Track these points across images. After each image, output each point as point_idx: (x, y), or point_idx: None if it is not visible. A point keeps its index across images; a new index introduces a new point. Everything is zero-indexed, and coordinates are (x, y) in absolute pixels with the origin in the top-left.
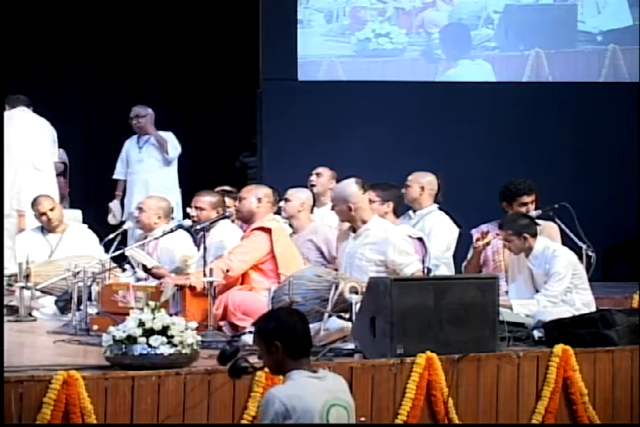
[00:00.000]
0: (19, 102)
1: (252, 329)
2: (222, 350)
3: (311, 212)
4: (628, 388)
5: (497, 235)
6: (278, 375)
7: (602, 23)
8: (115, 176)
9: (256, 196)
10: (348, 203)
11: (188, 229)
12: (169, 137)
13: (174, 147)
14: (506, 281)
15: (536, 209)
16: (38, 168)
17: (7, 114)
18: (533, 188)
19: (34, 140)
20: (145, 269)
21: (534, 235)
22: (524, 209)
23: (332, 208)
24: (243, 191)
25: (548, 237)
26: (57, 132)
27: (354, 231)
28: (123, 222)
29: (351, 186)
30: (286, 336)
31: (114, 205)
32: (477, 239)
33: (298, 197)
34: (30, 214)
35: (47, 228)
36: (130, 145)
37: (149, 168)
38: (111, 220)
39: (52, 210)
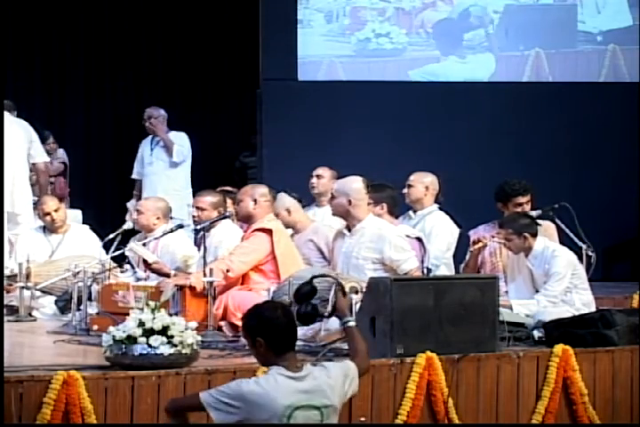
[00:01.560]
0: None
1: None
2: (299, 288)
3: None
4: (628, 388)
5: (493, 237)
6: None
7: (602, 23)
8: (133, 176)
9: (252, 197)
10: (348, 197)
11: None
12: (179, 139)
13: (180, 151)
14: (505, 282)
15: (534, 209)
16: (10, 168)
17: None
18: (528, 188)
19: (7, 142)
20: (146, 264)
21: (535, 234)
22: (519, 210)
23: (330, 200)
24: (239, 193)
25: (546, 237)
26: (57, 133)
27: (349, 231)
28: None
29: (357, 182)
30: (268, 332)
31: (131, 204)
32: (474, 242)
33: (280, 205)
34: None
35: (50, 228)
36: (143, 146)
37: (158, 170)
38: (129, 219)
39: (56, 211)
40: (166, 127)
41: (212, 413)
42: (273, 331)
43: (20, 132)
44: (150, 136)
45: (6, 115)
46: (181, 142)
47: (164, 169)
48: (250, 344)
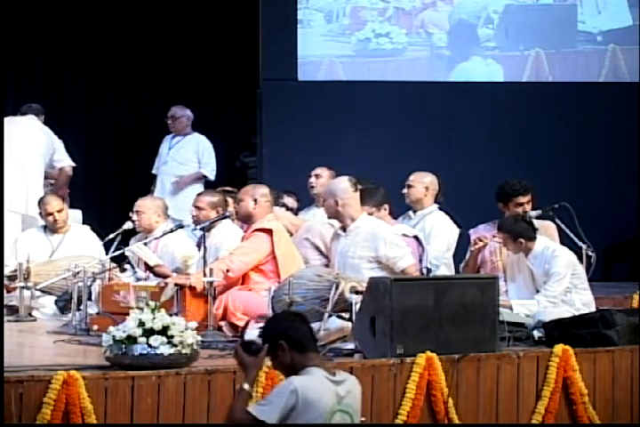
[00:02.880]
0: (30, 110)
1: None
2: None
3: (296, 214)
4: (628, 388)
5: (493, 236)
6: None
7: (602, 23)
8: (153, 171)
9: (252, 197)
10: (336, 197)
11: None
12: (203, 147)
13: (212, 168)
14: (504, 281)
15: (534, 209)
16: (25, 171)
17: (15, 119)
18: (529, 188)
19: (27, 146)
20: (147, 266)
21: (532, 238)
22: (520, 209)
23: (323, 202)
24: (240, 193)
25: (547, 237)
26: (57, 134)
27: (344, 230)
28: None
29: (342, 182)
30: (287, 333)
31: None
32: (474, 242)
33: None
34: (8, 214)
35: (51, 228)
36: (164, 144)
37: (171, 170)
38: (125, 223)
39: (59, 211)
40: (190, 128)
41: (268, 418)
42: (291, 330)
43: (41, 138)
44: (172, 134)
45: (33, 119)
46: (208, 154)
47: (178, 170)
48: (272, 355)
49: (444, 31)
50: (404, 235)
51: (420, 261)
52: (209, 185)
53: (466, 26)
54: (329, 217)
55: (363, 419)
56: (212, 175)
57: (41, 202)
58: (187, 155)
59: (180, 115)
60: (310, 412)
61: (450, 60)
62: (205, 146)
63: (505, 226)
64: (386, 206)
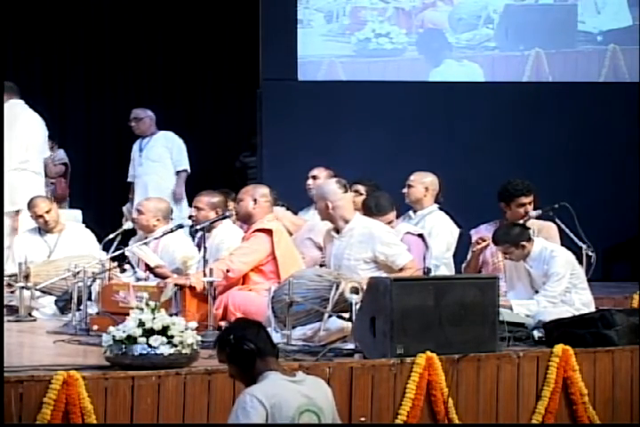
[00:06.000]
0: (13, 93)
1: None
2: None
3: (296, 214)
4: (628, 388)
5: None
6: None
7: (602, 23)
8: (128, 179)
9: (252, 197)
10: (326, 201)
11: (192, 233)
12: (173, 144)
13: (186, 162)
14: (505, 281)
15: (535, 209)
16: (26, 168)
17: (7, 105)
18: (531, 188)
19: (27, 139)
20: (147, 267)
21: (530, 239)
22: (522, 210)
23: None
24: (240, 192)
25: (548, 237)
26: (57, 133)
27: (337, 232)
28: None
29: (330, 184)
30: (254, 334)
31: (127, 208)
32: (477, 242)
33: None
34: (25, 214)
35: (44, 229)
36: (135, 148)
37: (149, 170)
38: (125, 223)
39: (48, 212)
40: (154, 128)
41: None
42: (252, 336)
43: (40, 131)
44: (140, 138)
45: (24, 106)
46: (178, 150)
47: (155, 169)
48: (237, 362)
49: (444, 30)
50: (409, 233)
51: (424, 259)
52: (208, 186)
53: (466, 26)
54: (322, 219)
55: (363, 419)
56: (188, 167)
57: (29, 206)
58: (159, 151)
59: (143, 116)
60: (281, 412)
61: (450, 60)
62: (174, 141)
63: (500, 237)
64: (394, 213)
